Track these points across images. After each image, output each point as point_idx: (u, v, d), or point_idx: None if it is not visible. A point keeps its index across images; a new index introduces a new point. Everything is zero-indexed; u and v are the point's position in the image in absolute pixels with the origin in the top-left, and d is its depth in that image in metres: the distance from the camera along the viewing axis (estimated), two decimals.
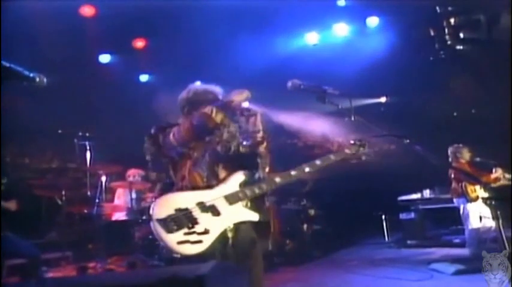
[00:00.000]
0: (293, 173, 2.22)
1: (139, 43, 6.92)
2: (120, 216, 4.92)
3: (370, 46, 6.64)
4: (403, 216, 6.40)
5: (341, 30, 6.83)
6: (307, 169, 2.25)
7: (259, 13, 6.02)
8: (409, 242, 6.14)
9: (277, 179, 2.19)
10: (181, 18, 6.07)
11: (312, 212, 6.22)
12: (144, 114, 6.22)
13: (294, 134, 6.69)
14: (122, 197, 5.04)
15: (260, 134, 2.26)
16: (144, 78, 7.52)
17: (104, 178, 4.89)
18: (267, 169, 2.25)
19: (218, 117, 2.16)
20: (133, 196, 4.81)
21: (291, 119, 6.92)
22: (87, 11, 5.85)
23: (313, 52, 6.92)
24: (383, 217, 6.82)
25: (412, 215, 6.30)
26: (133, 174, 5.06)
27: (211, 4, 5.85)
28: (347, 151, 2.43)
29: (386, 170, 6.51)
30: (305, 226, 6.04)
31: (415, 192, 6.44)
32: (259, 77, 6.76)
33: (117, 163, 5.12)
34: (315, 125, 6.46)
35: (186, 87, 2.48)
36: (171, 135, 2.18)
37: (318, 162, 2.29)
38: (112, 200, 5.14)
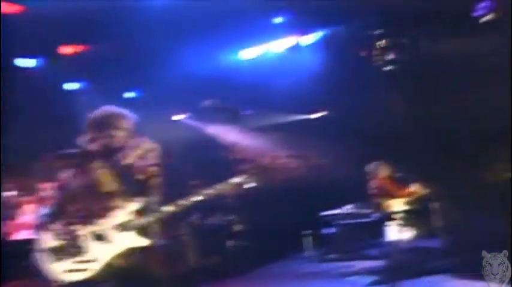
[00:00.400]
0: (181, 202, 2.32)
1: (69, 49, 6.57)
2: (24, 235, 4.55)
3: (304, 63, 6.87)
4: (325, 231, 6.62)
5: (276, 46, 7.01)
6: (195, 198, 2.33)
7: (197, 27, 6.02)
8: (330, 256, 6.32)
9: (167, 209, 2.28)
10: (115, 26, 5.89)
11: (235, 227, 6.21)
12: (68, 124, 5.89)
13: (225, 148, 6.69)
14: (30, 214, 4.67)
15: (154, 168, 2.34)
16: (71, 86, 7.14)
17: (10, 193, 4.52)
18: (157, 200, 2.33)
19: (111, 186, 2.27)
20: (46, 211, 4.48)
21: (223, 133, 6.94)
22: (11, 8, 5.44)
23: (249, 68, 7.02)
24: (306, 232, 6.98)
25: (334, 229, 6.51)
26: (46, 188, 4.72)
27: (147, 12, 5.75)
28: (234, 180, 2.44)
29: (312, 185, 6.72)
30: (229, 241, 6.00)
31: (338, 207, 6.65)
32: (194, 90, 6.72)
33: (29, 177, 4.77)
34: (245, 139, 6.52)
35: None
36: (66, 174, 2.27)
37: (205, 192, 2.38)
38: (18, 217, 4.73)
